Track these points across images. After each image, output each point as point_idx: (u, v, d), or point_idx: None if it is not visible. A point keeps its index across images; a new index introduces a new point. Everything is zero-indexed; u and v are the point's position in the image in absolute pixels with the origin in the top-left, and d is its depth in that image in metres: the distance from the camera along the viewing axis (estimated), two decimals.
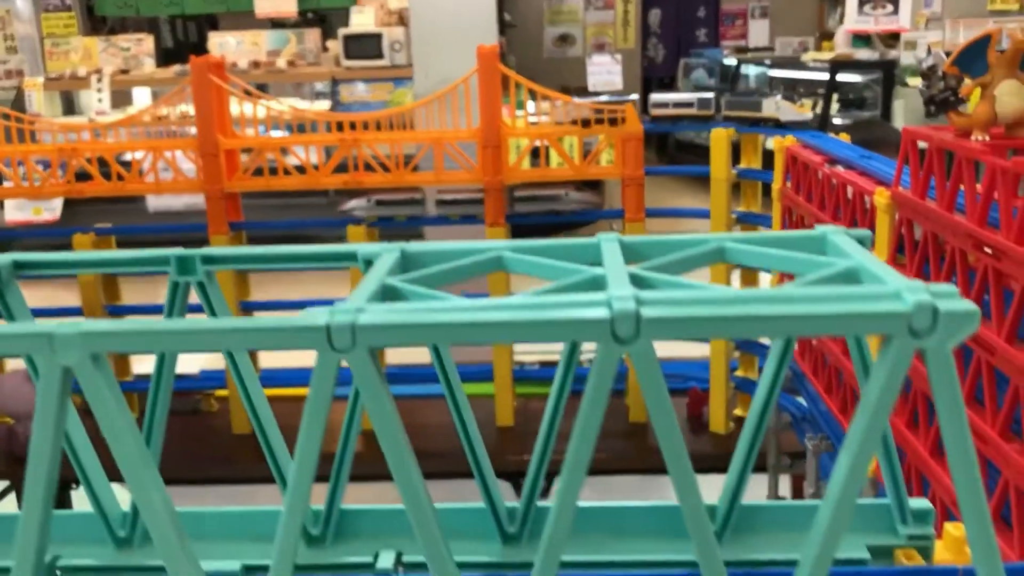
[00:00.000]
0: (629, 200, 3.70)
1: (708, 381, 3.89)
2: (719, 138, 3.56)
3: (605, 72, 9.76)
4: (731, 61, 10.67)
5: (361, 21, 9.42)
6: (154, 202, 7.07)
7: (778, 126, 3.49)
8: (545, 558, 0.63)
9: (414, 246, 0.78)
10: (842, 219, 2.60)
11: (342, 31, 9.03)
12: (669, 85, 11.40)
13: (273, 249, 0.79)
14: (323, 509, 0.85)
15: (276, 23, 10.24)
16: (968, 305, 0.56)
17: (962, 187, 1.95)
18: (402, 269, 0.74)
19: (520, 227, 3.83)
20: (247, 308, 3.98)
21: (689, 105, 3.78)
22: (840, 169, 2.72)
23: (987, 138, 1.91)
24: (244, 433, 3.95)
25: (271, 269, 0.81)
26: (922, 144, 2.13)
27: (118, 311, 4.07)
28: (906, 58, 9.42)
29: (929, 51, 2.08)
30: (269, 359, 3.95)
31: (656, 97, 3.91)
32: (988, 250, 1.81)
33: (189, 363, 4.14)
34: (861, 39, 9.72)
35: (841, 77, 9.35)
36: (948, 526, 0.83)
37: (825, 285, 0.61)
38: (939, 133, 2.06)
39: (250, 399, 0.85)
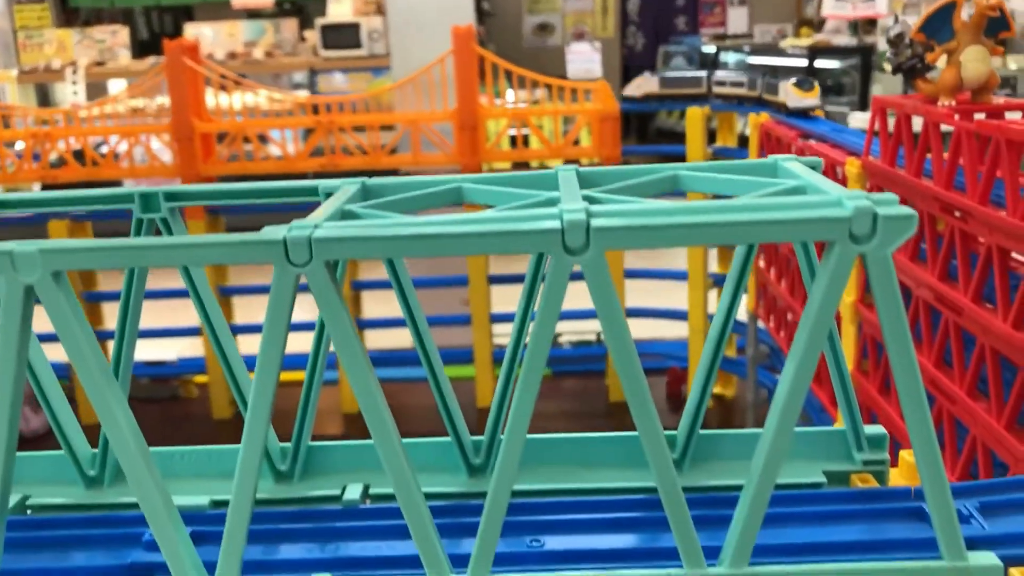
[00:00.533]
0: (606, 138, 3.71)
1: (687, 360, 3.92)
2: (695, 118, 3.58)
3: (584, 60, 9.77)
4: (710, 48, 10.70)
5: (339, 11, 9.38)
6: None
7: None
8: (501, 472, 0.65)
9: (375, 180, 0.79)
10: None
11: (319, 21, 9.00)
12: (650, 71, 11.43)
13: (235, 185, 0.80)
14: (290, 445, 0.86)
15: (252, 13, 10.18)
16: (906, 210, 0.58)
17: (929, 154, 1.97)
18: (362, 199, 0.76)
19: None
20: (225, 293, 3.97)
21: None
22: (812, 142, 2.74)
23: (953, 103, 1.93)
24: (224, 418, 3.95)
25: (233, 204, 0.82)
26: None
27: (94, 297, 4.06)
28: (883, 44, 9.49)
29: (896, 19, 2.10)
30: (251, 346, 3.94)
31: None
32: (955, 213, 1.84)
33: (167, 349, 4.13)
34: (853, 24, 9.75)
35: (819, 63, 9.39)
36: (903, 453, 0.85)
37: (772, 199, 0.63)
38: (907, 100, 2.09)
39: (232, 374, 0.86)
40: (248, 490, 0.64)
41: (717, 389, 3.96)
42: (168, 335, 3.97)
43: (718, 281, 3.76)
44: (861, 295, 2.34)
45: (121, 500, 0.84)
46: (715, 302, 3.87)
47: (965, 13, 1.91)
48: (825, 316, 0.60)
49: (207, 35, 9.05)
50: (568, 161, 4.64)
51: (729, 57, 10.51)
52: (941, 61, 1.96)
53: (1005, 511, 0.75)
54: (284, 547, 0.75)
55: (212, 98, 3.78)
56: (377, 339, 4.10)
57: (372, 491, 0.83)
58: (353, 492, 0.82)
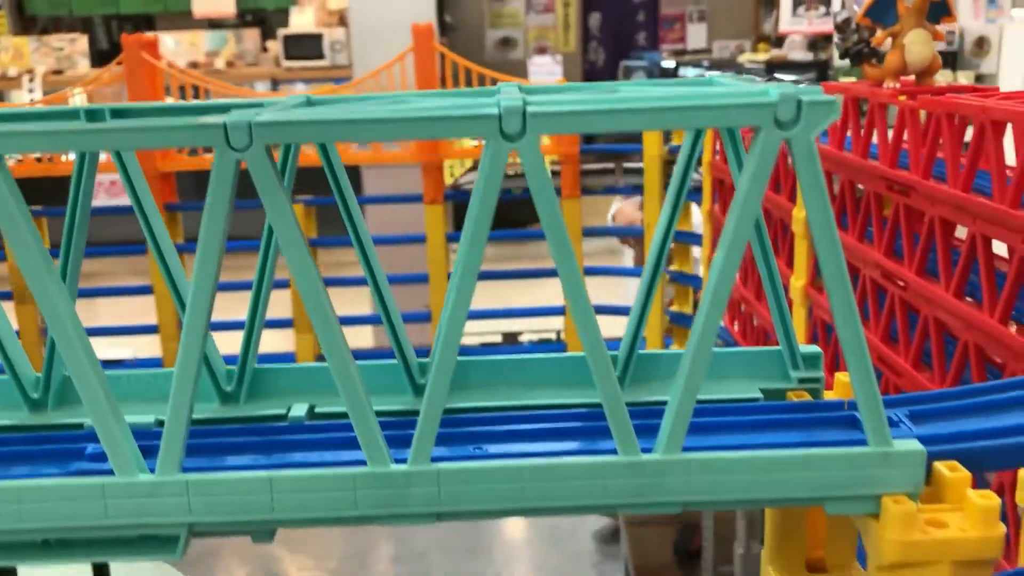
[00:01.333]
0: (565, 177, 3.75)
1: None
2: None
3: (546, 72, 9.86)
4: (669, 63, 10.85)
5: (301, 21, 9.39)
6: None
7: None
8: (435, 379, 0.66)
9: (320, 96, 0.80)
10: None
11: (282, 31, 8.99)
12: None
13: (183, 104, 0.81)
14: (236, 367, 0.86)
15: (214, 23, 10.14)
16: (829, 97, 0.60)
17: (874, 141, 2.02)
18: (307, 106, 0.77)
19: (462, 205, 3.85)
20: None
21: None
22: None
23: (898, 85, 1.98)
24: None
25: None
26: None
27: None
28: (839, 62, 9.67)
29: (843, 4, 2.15)
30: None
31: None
32: (900, 189, 1.88)
33: (123, 348, 4.09)
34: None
35: (777, 77, 9.56)
36: (838, 374, 0.88)
37: (703, 89, 0.65)
38: (854, 85, 2.14)
39: (176, 288, 0.86)
40: (189, 380, 0.65)
41: (676, 346, 3.98)
42: (124, 333, 3.92)
43: (674, 278, 3.80)
44: (811, 278, 2.38)
45: (65, 421, 0.84)
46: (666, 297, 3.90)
47: None
48: (752, 202, 0.62)
49: (168, 45, 9.00)
50: None
51: (688, 72, 10.65)
52: (886, 44, 2.01)
53: (933, 418, 0.78)
54: (229, 458, 0.76)
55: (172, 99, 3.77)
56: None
57: (318, 410, 0.84)
58: (299, 411, 0.82)
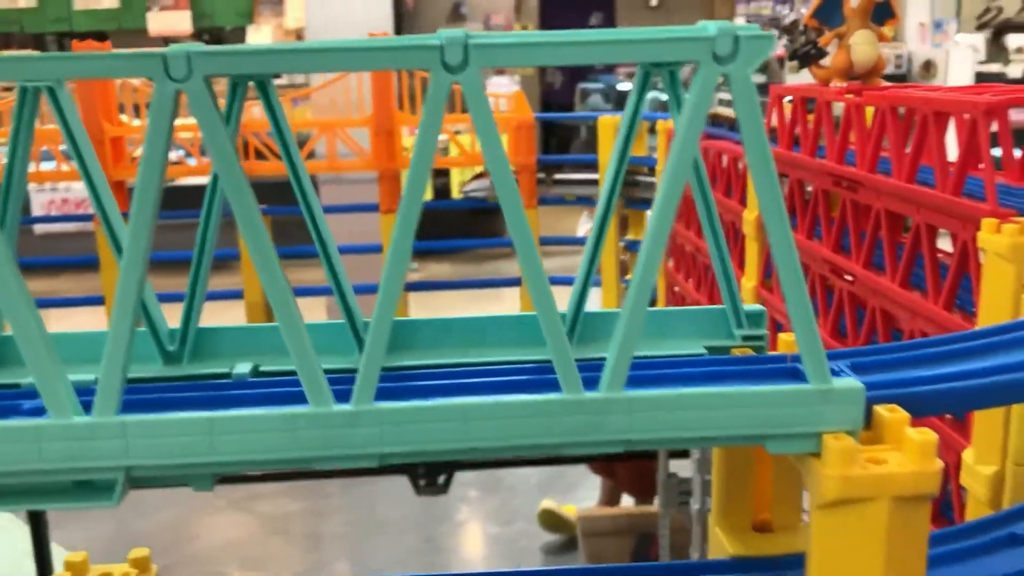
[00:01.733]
0: (522, 186, 3.76)
1: None
2: (606, 125, 3.66)
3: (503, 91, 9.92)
4: (625, 86, 10.99)
5: (258, 40, 9.36)
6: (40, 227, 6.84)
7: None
8: (379, 313, 0.66)
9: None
10: (718, 187, 2.71)
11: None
12: (568, 108, 11.66)
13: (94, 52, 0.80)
14: (179, 328, 0.85)
15: (169, 41, 10.06)
16: (765, 32, 0.61)
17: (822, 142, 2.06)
18: None
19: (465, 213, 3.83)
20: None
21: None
22: (716, 142, 2.83)
23: (845, 85, 2.03)
24: None
25: None
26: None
27: None
28: (790, 78, 9.84)
29: (791, 8, 2.20)
30: None
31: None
32: (847, 185, 1.92)
33: None
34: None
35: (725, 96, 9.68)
36: (781, 335, 0.89)
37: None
38: (802, 86, 2.18)
39: (110, 224, 0.85)
40: (128, 315, 0.64)
41: None
42: None
43: (629, 247, 3.80)
44: (761, 279, 2.41)
45: (5, 381, 0.82)
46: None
47: (854, 0, 2.01)
48: (692, 135, 0.63)
49: None
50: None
51: (627, 86, 10.80)
52: (832, 45, 2.06)
53: (874, 368, 0.79)
54: (171, 414, 0.74)
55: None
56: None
57: (263, 369, 0.83)
58: (242, 369, 0.81)
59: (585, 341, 0.87)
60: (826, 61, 2.11)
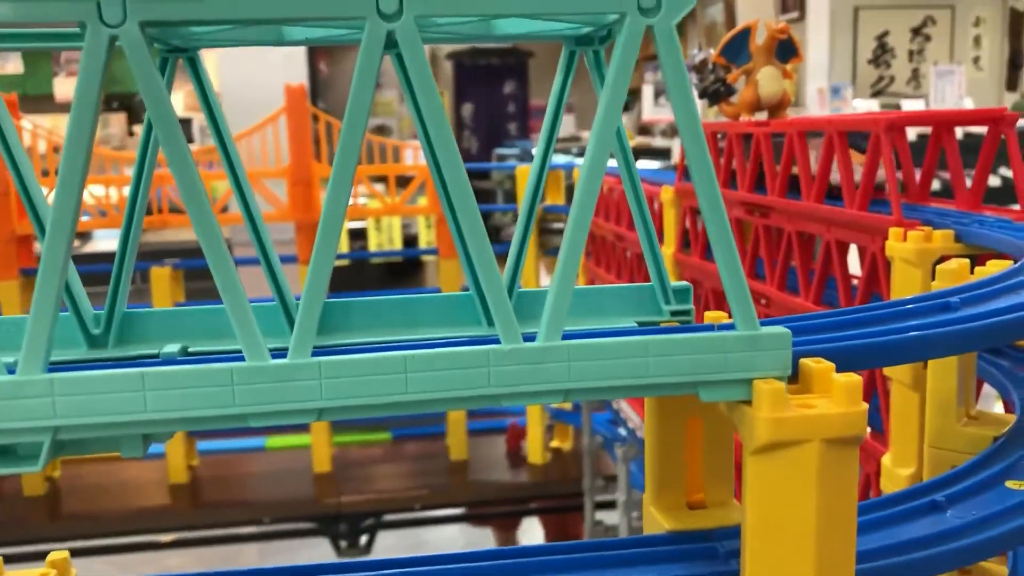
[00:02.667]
0: (443, 237, 3.79)
1: (525, 416, 3.96)
2: (524, 174, 3.72)
3: (421, 156, 9.97)
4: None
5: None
6: None
7: None
8: (315, 263, 0.65)
9: None
10: (636, 230, 2.76)
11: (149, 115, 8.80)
12: (484, 175, 11.84)
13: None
14: (104, 311, 0.83)
15: None
16: None
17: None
18: None
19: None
20: None
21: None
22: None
23: (753, 118, 2.11)
24: (35, 495, 3.66)
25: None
26: None
27: None
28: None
29: (700, 47, 2.29)
30: None
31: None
32: (759, 212, 1.99)
33: None
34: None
35: (639, 164, 9.95)
36: (707, 312, 0.91)
37: None
38: (713, 122, 2.27)
39: (29, 196, 0.83)
40: (56, 271, 0.62)
41: (555, 443, 4.00)
42: None
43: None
44: (679, 246, 2.46)
45: None
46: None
47: (759, 37, 2.11)
48: (619, 90, 0.65)
49: (28, 128, 8.72)
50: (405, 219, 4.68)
51: (559, 159, 11.04)
52: (740, 82, 2.15)
53: (801, 332, 0.82)
54: (101, 371, 0.72)
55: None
56: None
57: (192, 350, 0.81)
58: (171, 349, 0.80)
59: (519, 318, 0.88)
60: (735, 98, 2.20)
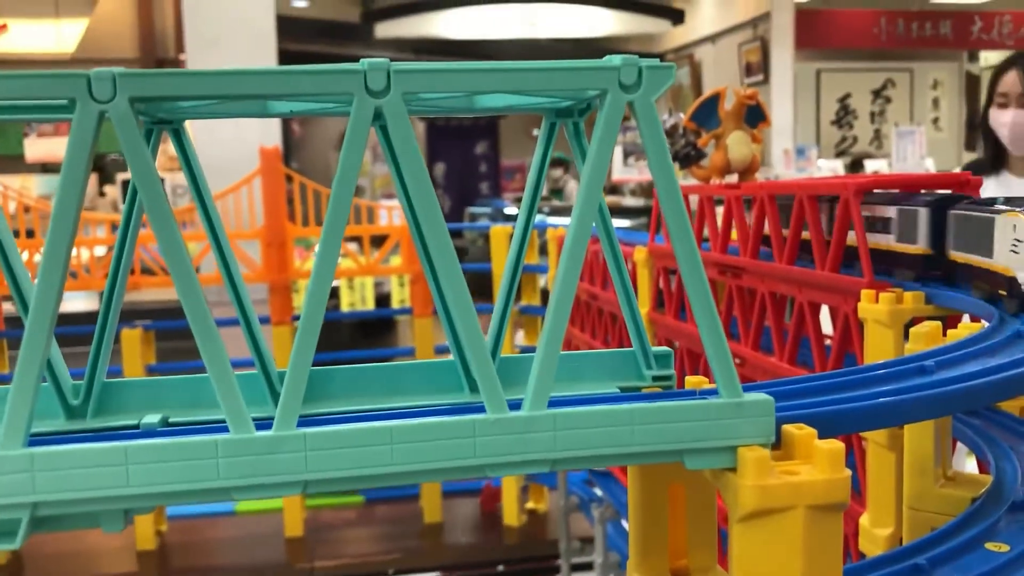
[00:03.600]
0: (417, 296, 3.79)
1: (500, 477, 3.93)
2: (498, 235, 3.74)
3: (396, 216, 10.01)
4: (512, 210, 11.32)
5: None
6: None
7: None
8: (301, 335, 0.66)
9: None
10: (610, 289, 2.79)
11: (120, 176, 8.80)
12: (457, 235, 11.91)
13: None
14: (83, 381, 0.82)
15: (47, 167, 9.88)
16: (665, 64, 0.66)
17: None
18: None
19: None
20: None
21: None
22: None
23: (723, 181, 2.15)
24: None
25: None
26: None
27: None
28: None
29: (670, 112, 2.34)
30: None
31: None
32: (732, 272, 2.01)
33: None
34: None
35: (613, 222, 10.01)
36: (688, 377, 0.92)
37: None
38: (684, 186, 2.30)
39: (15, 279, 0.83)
40: (39, 347, 0.62)
41: (530, 503, 3.97)
42: None
43: (524, 310, 3.83)
44: (654, 304, 2.47)
45: None
46: None
47: (728, 103, 2.16)
48: (601, 162, 0.67)
49: None
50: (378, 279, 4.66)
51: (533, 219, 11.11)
52: (710, 147, 2.19)
53: (779, 397, 0.82)
54: (81, 444, 0.71)
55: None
56: None
57: (173, 420, 0.80)
58: (151, 419, 0.79)
59: (506, 383, 0.88)
60: (705, 161, 2.24)
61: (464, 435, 0.66)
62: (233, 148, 4.89)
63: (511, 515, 3.84)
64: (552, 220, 10.45)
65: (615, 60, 0.66)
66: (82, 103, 0.61)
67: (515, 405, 0.69)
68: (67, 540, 3.70)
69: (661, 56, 11.60)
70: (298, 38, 10.15)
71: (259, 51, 5.98)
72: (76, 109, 0.61)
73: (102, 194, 9.64)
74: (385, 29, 10.48)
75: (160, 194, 0.63)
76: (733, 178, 2.17)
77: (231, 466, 0.64)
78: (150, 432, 0.75)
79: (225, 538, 3.85)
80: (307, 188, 3.73)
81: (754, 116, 2.18)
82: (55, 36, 10.23)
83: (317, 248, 0.65)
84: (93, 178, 9.61)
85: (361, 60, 0.64)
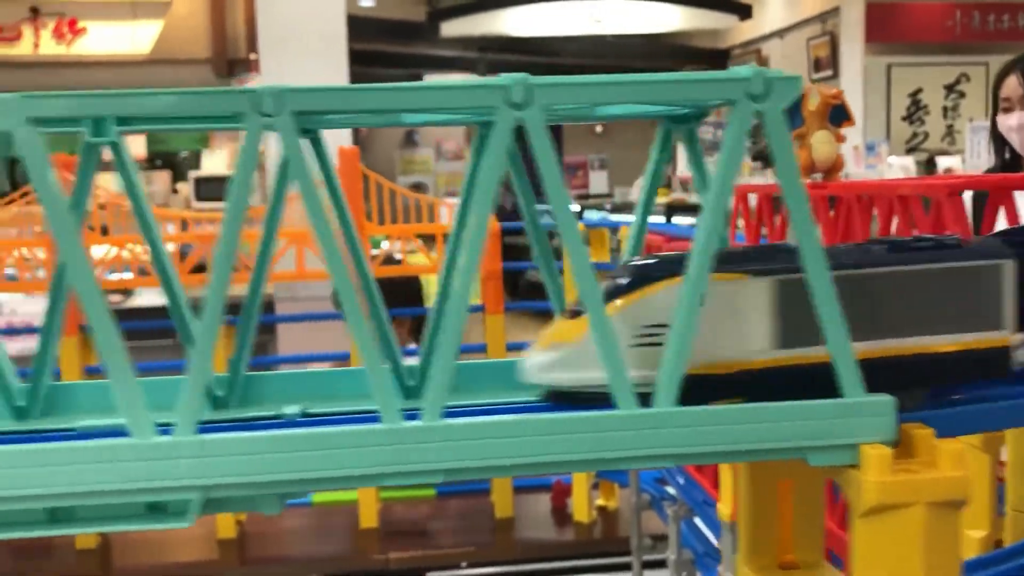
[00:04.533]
0: (489, 294, 3.84)
1: (570, 475, 3.96)
2: (597, 235, 3.77)
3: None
4: (575, 207, 11.35)
5: (213, 164, 9.46)
6: None
7: None
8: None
9: None
10: None
11: (193, 174, 9.01)
12: (520, 231, 11.96)
13: None
14: (228, 375, 0.88)
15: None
16: (792, 75, 0.69)
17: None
18: None
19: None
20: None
21: None
22: (677, 242, 2.95)
23: (807, 181, 2.15)
24: (87, 548, 3.70)
25: None
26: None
27: None
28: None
29: None
30: None
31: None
32: None
33: None
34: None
35: (675, 219, 10.01)
36: None
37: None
38: (766, 186, 2.31)
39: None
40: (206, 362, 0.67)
41: (600, 500, 3.99)
42: None
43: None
44: None
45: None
46: None
47: (812, 102, 2.16)
48: (730, 170, 0.70)
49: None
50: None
51: (593, 215, 11.12)
52: (794, 146, 2.19)
53: None
54: (246, 433, 0.75)
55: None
56: None
57: (309, 411, 0.85)
58: (291, 410, 0.84)
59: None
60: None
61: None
62: (306, 146, 4.99)
63: (581, 511, 3.86)
64: (613, 218, 10.39)
65: (744, 72, 0.69)
66: (251, 117, 0.66)
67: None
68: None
69: (727, 52, 11.51)
70: (364, 38, 10.29)
71: (330, 51, 6.10)
72: (246, 121, 0.66)
73: (174, 191, 9.87)
74: (451, 28, 10.57)
75: (315, 196, 0.68)
76: (817, 177, 2.17)
77: (381, 453, 0.68)
78: (299, 422, 0.81)
79: (301, 528, 3.94)
80: (383, 187, 3.81)
81: (838, 115, 2.17)
82: (130, 38, 10.51)
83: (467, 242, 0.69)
84: (166, 175, 9.85)
85: (501, 75, 0.68)
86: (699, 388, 0.71)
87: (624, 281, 0.76)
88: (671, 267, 0.74)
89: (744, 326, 0.74)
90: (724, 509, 2.27)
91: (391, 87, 0.67)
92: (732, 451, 0.71)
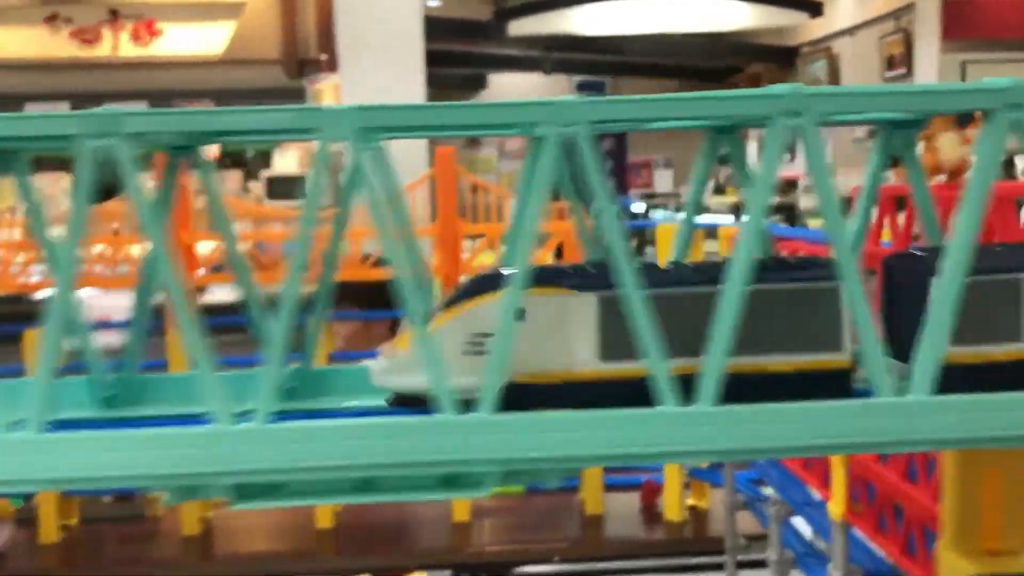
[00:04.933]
0: None
1: (662, 473, 3.98)
2: (664, 233, 3.80)
3: None
4: (640, 206, 11.31)
5: (284, 163, 9.59)
6: None
7: None
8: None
9: None
10: None
11: (264, 173, 9.14)
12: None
13: None
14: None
15: None
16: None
17: None
18: None
19: None
20: None
21: None
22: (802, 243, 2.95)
23: (933, 182, 2.15)
24: (192, 535, 3.83)
25: None
26: None
27: None
28: (804, 201, 10.07)
29: None
30: None
31: None
32: None
33: None
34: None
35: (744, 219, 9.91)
36: None
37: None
38: (892, 186, 2.31)
39: None
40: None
41: (691, 500, 4.01)
42: None
43: None
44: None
45: None
46: None
47: None
48: (987, 175, 0.73)
49: (148, 182, 9.14)
50: None
51: (657, 214, 11.07)
52: (920, 147, 2.19)
53: None
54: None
55: None
56: None
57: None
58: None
59: None
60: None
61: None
62: (396, 145, 5.08)
63: (673, 510, 3.89)
64: (678, 216, 10.40)
65: (1001, 83, 0.72)
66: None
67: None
68: (254, 515, 3.94)
69: (796, 49, 11.39)
70: (431, 37, 10.40)
71: (406, 51, 6.18)
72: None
73: (246, 190, 10.04)
74: (518, 27, 10.61)
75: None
76: (942, 179, 2.17)
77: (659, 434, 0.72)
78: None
79: (395, 522, 4.03)
80: (478, 186, 3.87)
81: (966, 116, 2.17)
82: (205, 39, 10.71)
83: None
84: (238, 174, 10.04)
85: (775, 85, 0.72)
86: (526, 395, 0.75)
87: (455, 293, 0.85)
88: (498, 281, 0.81)
89: (572, 339, 0.79)
90: (835, 508, 2.25)
91: (673, 97, 0.71)
92: (964, 438, 0.74)
